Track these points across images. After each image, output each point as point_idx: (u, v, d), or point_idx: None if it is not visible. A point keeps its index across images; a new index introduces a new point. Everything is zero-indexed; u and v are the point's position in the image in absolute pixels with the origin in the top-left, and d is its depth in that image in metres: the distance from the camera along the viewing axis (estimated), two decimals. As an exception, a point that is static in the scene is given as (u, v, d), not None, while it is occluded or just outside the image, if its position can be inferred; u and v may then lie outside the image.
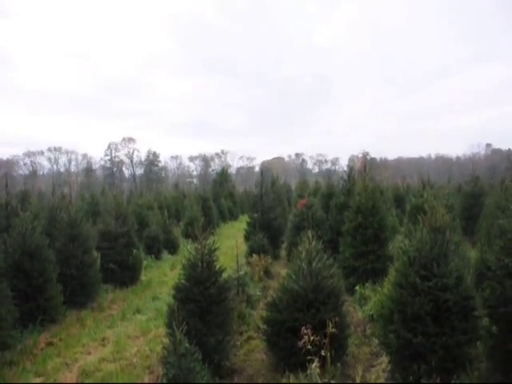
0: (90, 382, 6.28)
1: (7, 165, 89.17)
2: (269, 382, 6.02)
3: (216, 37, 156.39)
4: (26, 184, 35.98)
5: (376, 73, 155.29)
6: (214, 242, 6.57)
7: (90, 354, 7.48)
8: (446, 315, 5.17)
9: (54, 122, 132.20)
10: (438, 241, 5.64)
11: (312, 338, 4.78)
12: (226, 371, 6.23)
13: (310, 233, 6.72)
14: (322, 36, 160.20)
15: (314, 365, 4.70)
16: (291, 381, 5.22)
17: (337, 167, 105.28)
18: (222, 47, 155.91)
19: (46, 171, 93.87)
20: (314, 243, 6.66)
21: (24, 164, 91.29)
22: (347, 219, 11.19)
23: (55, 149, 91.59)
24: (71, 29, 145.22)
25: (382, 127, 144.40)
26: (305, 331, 4.74)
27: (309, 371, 5.23)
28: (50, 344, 7.82)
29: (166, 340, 6.15)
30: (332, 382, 4.46)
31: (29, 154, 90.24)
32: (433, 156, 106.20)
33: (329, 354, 4.67)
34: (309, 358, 4.97)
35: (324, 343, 4.95)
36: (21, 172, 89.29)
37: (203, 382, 5.00)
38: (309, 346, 4.83)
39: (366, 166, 12.13)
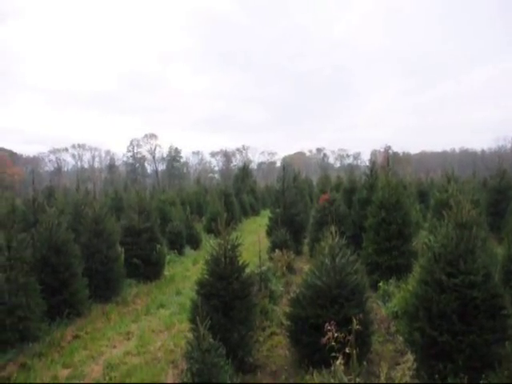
0: (116, 374, 6.37)
1: (33, 162, 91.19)
2: (292, 378, 6.01)
3: (235, 32, 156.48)
4: (51, 180, 36.61)
5: (397, 65, 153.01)
6: (236, 237, 6.56)
7: (115, 347, 7.60)
8: (474, 313, 5.08)
9: (77, 120, 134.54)
10: (465, 237, 5.54)
11: (336, 334, 4.73)
12: (249, 367, 6.25)
13: (333, 228, 6.67)
14: (342, 29, 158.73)
15: (338, 362, 4.65)
16: (315, 377, 5.20)
17: (358, 162, 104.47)
18: (241, 42, 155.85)
19: (70, 168, 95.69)
20: (337, 239, 6.61)
21: (49, 161, 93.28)
22: (370, 214, 11.07)
23: (79, 146, 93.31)
24: (93, 27, 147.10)
25: (404, 121, 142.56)
26: (329, 327, 4.69)
27: (332, 368, 5.21)
28: (76, 337, 7.98)
29: (189, 335, 6.19)
30: (358, 379, 4.41)
31: (54, 151, 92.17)
32: (457, 150, 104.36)
33: (354, 352, 4.62)
34: (333, 354, 4.94)
35: (348, 340, 4.90)
36: (46, 169, 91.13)
37: (227, 377, 5.03)
38: (333, 343, 4.79)
39: (390, 161, 11.99)
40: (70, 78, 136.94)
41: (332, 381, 4.54)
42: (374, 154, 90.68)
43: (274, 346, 7.21)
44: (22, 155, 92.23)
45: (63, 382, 6.26)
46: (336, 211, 14.17)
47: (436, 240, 5.93)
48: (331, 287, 6.18)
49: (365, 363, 5.61)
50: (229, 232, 6.41)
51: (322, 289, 6.22)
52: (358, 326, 5.19)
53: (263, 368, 6.40)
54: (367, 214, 11.38)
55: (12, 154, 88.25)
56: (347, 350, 4.91)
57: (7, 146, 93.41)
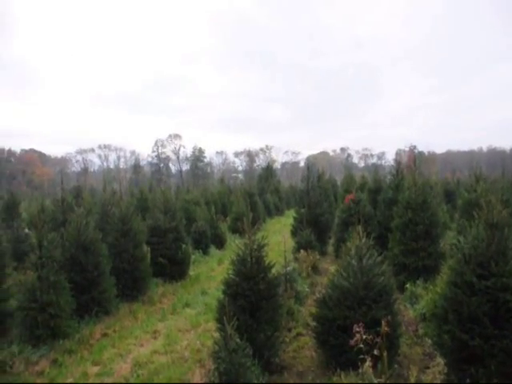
0: (144, 372, 6.45)
1: (61, 162, 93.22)
2: (319, 379, 5.97)
3: (257, 31, 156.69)
4: (78, 180, 37.36)
5: (423, 63, 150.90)
6: (263, 237, 6.56)
7: (142, 346, 7.69)
8: (507, 317, 4.95)
9: (103, 121, 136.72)
10: (496, 238, 5.41)
11: (364, 336, 4.69)
12: (275, 367, 6.24)
13: (360, 229, 6.61)
14: (366, 27, 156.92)
15: (366, 364, 4.61)
16: (343, 379, 5.16)
17: (383, 162, 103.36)
18: (263, 41, 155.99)
19: (96, 168, 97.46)
20: (364, 239, 6.55)
21: (76, 161, 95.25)
22: (396, 215, 10.93)
23: (105, 146, 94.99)
24: (118, 29, 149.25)
25: (429, 119, 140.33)
26: (357, 329, 4.65)
27: (360, 370, 5.17)
28: (104, 335, 8.11)
29: (216, 334, 6.23)
30: (389, 382, 4.36)
31: (81, 152, 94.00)
32: (484, 149, 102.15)
33: (383, 354, 4.57)
34: (360, 357, 4.90)
35: (376, 342, 4.85)
36: (73, 169, 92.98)
37: (253, 377, 5.04)
38: (361, 345, 4.75)
39: (416, 161, 11.81)
40: (97, 80, 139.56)
41: (361, 382, 4.49)
42: (398, 153, 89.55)
43: (300, 347, 7.18)
44: (50, 156, 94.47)
45: (93, 378, 6.37)
46: (361, 211, 14.05)
47: (466, 241, 5.81)
48: (358, 288, 6.12)
49: (396, 366, 5.53)
50: (255, 232, 6.39)
51: (349, 290, 6.17)
52: (386, 328, 5.15)
53: (289, 369, 6.38)
54: (393, 215, 11.23)
55: (41, 155, 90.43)
56: (375, 353, 4.87)
57: (37, 148, 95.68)
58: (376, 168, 28.40)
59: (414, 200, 10.52)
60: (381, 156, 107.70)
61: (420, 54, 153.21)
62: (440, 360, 5.18)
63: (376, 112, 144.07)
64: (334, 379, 5.46)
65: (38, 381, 6.27)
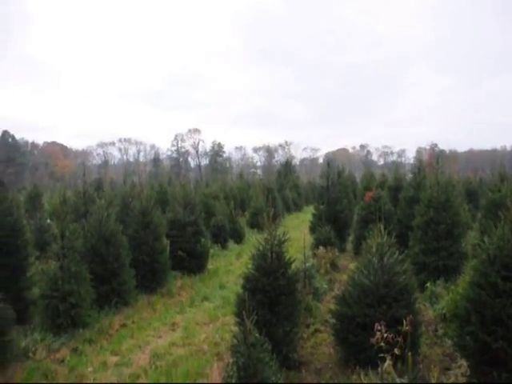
0: (162, 364, 6.50)
1: (83, 155, 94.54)
2: (337, 377, 5.94)
3: (276, 27, 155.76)
4: (99, 173, 37.81)
5: (444, 60, 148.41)
6: (284, 233, 6.53)
7: (160, 337, 7.75)
8: (532, 319, 4.84)
9: (124, 115, 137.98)
10: (523, 239, 5.28)
11: (385, 334, 4.64)
12: (293, 363, 6.21)
13: (381, 226, 6.54)
14: (387, 23, 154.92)
15: (387, 363, 4.57)
16: (362, 378, 5.12)
17: (403, 159, 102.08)
18: (283, 37, 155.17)
19: (116, 161, 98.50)
20: (385, 237, 6.48)
21: (97, 154, 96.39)
22: (418, 213, 10.80)
23: (125, 140, 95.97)
24: (139, 26, 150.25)
25: (451, 117, 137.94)
26: (378, 327, 4.61)
27: (379, 369, 5.11)
28: (123, 326, 8.20)
29: (234, 328, 6.24)
30: (414, 383, 4.29)
31: (101, 145, 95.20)
32: (508, 147, 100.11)
33: (403, 353, 4.52)
34: (381, 355, 4.85)
35: (398, 341, 4.80)
36: (94, 162, 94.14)
37: (271, 372, 5.02)
38: (382, 343, 4.70)
39: (439, 159, 11.63)
40: (119, 75, 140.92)
41: (384, 382, 4.44)
42: (419, 151, 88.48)
43: (317, 344, 7.15)
44: (72, 149, 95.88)
45: (112, 368, 6.45)
46: (381, 209, 13.91)
47: (491, 241, 5.69)
48: (379, 287, 6.06)
49: (421, 366, 5.43)
50: (275, 227, 6.37)
51: (369, 288, 6.11)
52: (408, 327, 5.09)
53: (307, 365, 6.36)
54: (414, 213, 11.09)
55: (63, 148, 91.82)
56: (396, 352, 4.82)
57: (59, 140, 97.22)
58: (397, 166, 28.07)
59: (436, 199, 10.37)
60: (401, 154, 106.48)
61: (442, 50, 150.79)
62: (462, 362, 5.08)
63: (396, 109, 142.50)
64: (354, 377, 5.42)
65: (59, 368, 6.37)
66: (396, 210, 14.45)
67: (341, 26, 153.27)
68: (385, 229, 6.63)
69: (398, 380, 4.25)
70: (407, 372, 4.23)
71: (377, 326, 4.65)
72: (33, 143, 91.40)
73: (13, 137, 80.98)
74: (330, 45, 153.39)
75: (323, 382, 5.85)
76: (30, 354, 6.61)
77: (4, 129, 78.57)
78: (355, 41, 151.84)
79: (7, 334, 6.30)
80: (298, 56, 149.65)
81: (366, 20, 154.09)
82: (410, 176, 16.25)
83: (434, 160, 11.93)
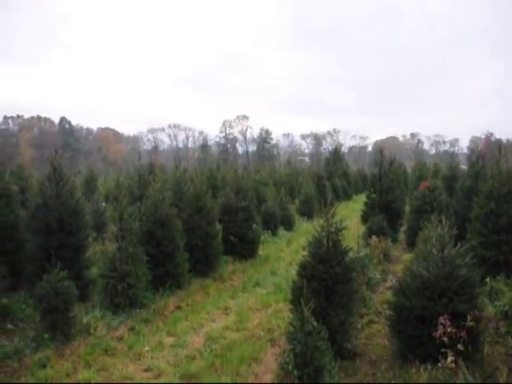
0: (216, 347, 6.59)
1: (134, 140, 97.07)
2: (393, 369, 5.79)
3: (323, 10, 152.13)
4: (150, 158, 38.66)
5: (498, 44, 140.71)
6: (340, 220, 6.41)
7: (214, 321, 7.86)
8: None
9: (174, 101, 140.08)
10: None
11: (449, 329, 4.47)
12: (347, 353, 6.14)
13: (443, 217, 6.30)
14: (437, 6, 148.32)
15: (449, 359, 4.40)
16: (422, 372, 4.97)
17: (456, 149, 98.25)
18: (330, 21, 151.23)
19: (165, 147, 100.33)
20: (446, 228, 6.24)
21: (147, 140, 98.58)
22: (476, 205, 10.32)
23: (174, 126, 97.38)
24: (186, 11, 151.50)
25: (507, 105, 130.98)
26: (442, 321, 4.45)
27: (440, 364, 4.95)
28: (178, 308, 8.39)
29: (288, 315, 6.22)
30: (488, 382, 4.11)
31: (152, 131, 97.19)
32: None
33: (467, 350, 4.35)
34: (442, 350, 4.69)
35: (460, 336, 4.62)
36: (145, 147, 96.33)
37: (327, 361, 4.98)
38: (444, 338, 4.54)
39: (501, 148, 11.07)
40: (168, 61, 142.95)
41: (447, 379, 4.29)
42: (473, 140, 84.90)
43: (372, 335, 7.04)
44: (123, 134, 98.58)
45: (168, 349, 6.59)
46: (436, 200, 13.47)
47: None
48: (439, 279, 5.85)
49: (498, 365, 5.19)
50: (333, 214, 6.25)
51: (429, 280, 5.90)
52: (471, 323, 4.89)
53: (362, 356, 6.26)
54: (472, 204, 10.63)
55: (115, 133, 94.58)
56: (459, 347, 4.64)
57: (111, 126, 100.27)
58: (448, 155, 27.17)
59: (498, 190, 9.89)
60: (454, 143, 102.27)
61: (496, 34, 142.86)
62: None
63: (449, 96, 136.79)
64: (413, 371, 5.27)
65: (119, 346, 6.59)
66: (451, 200, 13.93)
67: (390, 9, 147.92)
68: (446, 220, 6.39)
69: (470, 378, 4.06)
70: (474, 370, 4.04)
71: (440, 320, 4.48)
72: (87, 129, 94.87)
73: (69, 123, 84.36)
74: (378, 29, 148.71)
75: (379, 373, 5.74)
76: (92, 330, 6.87)
77: (61, 115, 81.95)
78: (405, 24, 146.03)
79: (71, 309, 6.61)
80: (345, 40, 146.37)
81: (417, 3, 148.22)
82: (463, 166, 15.65)
83: (490, 149, 11.37)
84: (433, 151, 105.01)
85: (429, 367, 5.23)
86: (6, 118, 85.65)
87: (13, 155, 60.97)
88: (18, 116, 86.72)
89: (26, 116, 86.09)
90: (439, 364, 5.01)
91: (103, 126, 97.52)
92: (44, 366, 5.82)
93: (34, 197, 8.82)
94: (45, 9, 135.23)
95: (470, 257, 9.42)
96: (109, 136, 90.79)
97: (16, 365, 5.81)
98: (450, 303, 5.64)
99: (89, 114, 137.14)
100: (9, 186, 9.41)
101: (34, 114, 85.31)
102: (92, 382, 5.50)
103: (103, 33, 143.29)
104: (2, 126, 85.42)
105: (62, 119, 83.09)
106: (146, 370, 5.92)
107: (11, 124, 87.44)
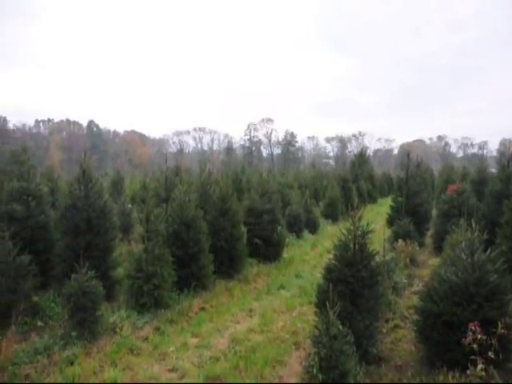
0: (241, 349, 6.58)
1: (159, 143, 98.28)
2: (419, 375, 5.68)
3: (348, 12, 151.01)
4: (175, 160, 39.00)
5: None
6: (367, 223, 6.34)
7: (238, 323, 7.87)
8: None
9: (199, 104, 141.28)
10: None
11: (479, 336, 4.36)
12: (372, 358, 6.05)
13: (473, 221, 6.17)
14: (466, 6, 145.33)
15: (479, 367, 4.30)
16: (450, 380, 4.86)
17: (485, 152, 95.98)
18: (355, 23, 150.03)
19: (191, 149, 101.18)
20: (476, 232, 6.10)
21: (173, 142, 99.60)
22: (507, 209, 10.08)
23: (200, 129, 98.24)
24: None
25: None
26: (472, 328, 4.34)
27: (468, 372, 4.84)
28: (202, 309, 8.42)
29: (313, 318, 6.17)
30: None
31: (177, 134, 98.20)
32: None
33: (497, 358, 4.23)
34: (472, 357, 4.58)
35: (491, 344, 4.51)
36: (170, 150, 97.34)
37: (353, 365, 4.92)
38: (474, 345, 4.43)
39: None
40: (194, 66, 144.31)
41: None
42: (503, 143, 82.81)
43: (397, 340, 6.93)
44: (149, 137, 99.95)
45: (192, 349, 6.63)
46: (465, 203, 13.19)
47: None
48: (468, 284, 5.72)
49: None
50: (359, 218, 6.19)
51: (457, 285, 5.78)
52: (502, 330, 4.77)
53: (387, 361, 6.17)
54: (503, 209, 10.38)
55: (141, 136, 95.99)
56: (490, 355, 4.53)
57: (138, 129, 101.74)
58: (482, 158, 26.60)
59: (530, 194, 9.63)
60: (482, 146, 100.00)
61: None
62: None
63: (478, 99, 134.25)
64: (440, 378, 5.17)
65: (144, 346, 6.66)
66: (480, 204, 13.62)
67: (415, 10, 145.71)
68: (469, 224, 6.27)
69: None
70: (506, 379, 3.93)
71: (471, 326, 4.38)
72: (114, 132, 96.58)
73: (97, 126, 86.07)
74: (405, 30, 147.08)
75: (405, 380, 5.64)
76: (117, 330, 6.98)
77: (90, 119, 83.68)
78: (433, 27, 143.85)
79: (98, 308, 6.73)
80: (370, 42, 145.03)
81: (445, 4, 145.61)
82: (492, 169, 15.29)
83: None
84: (460, 154, 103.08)
85: (457, 374, 5.14)
86: (37, 121, 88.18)
87: (43, 158, 62.45)
88: (49, 120, 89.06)
89: (56, 120, 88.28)
90: (468, 372, 4.91)
91: (129, 129, 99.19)
92: (72, 363, 5.93)
93: (64, 198, 9.00)
94: (76, 16, 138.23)
95: (501, 262, 9.27)
96: (135, 139, 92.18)
97: (45, 361, 5.95)
98: (480, 309, 5.51)
99: (116, 117, 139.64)
100: (40, 188, 9.62)
101: (64, 118, 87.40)
102: (118, 381, 5.57)
103: (130, 39, 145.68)
104: (34, 130, 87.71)
105: (90, 122, 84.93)
106: (171, 371, 5.96)
107: (42, 127, 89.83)
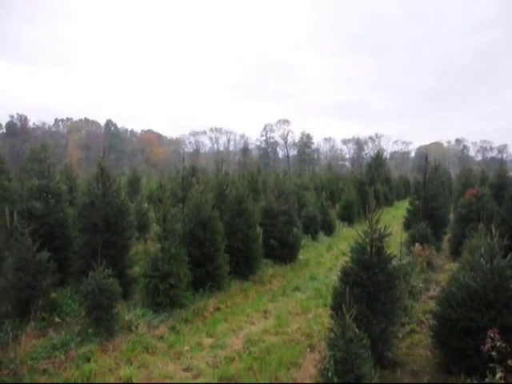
0: (255, 350, 6.59)
1: (176, 143, 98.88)
2: (436, 381, 5.62)
3: (363, 13, 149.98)
4: (193, 160, 39.17)
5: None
6: (385, 226, 6.28)
7: (253, 324, 7.87)
8: None
9: (216, 105, 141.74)
10: None
11: (498, 343, 4.29)
12: (387, 362, 6.00)
13: (493, 226, 6.08)
14: (485, 8, 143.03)
15: (498, 375, 4.22)
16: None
17: (504, 155, 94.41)
18: (371, 24, 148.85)
19: (207, 149, 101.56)
20: (496, 238, 6.01)
21: (189, 143, 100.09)
22: (528, 214, 9.93)
23: (216, 129, 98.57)
24: (228, 19, 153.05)
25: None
26: (491, 335, 4.28)
27: (487, 380, 4.76)
28: (217, 309, 8.44)
29: (327, 321, 6.13)
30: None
31: (193, 134, 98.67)
32: None
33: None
34: (491, 365, 4.51)
35: (511, 351, 4.43)
36: (186, 150, 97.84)
37: (368, 369, 4.88)
38: (493, 353, 4.36)
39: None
40: (211, 68, 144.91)
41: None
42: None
43: (413, 344, 6.86)
44: (166, 137, 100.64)
45: (207, 349, 6.65)
46: (484, 208, 13.00)
47: None
48: (487, 290, 5.63)
49: None
50: (377, 220, 6.13)
51: (476, 291, 5.70)
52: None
53: (403, 366, 6.11)
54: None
55: (158, 136, 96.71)
56: (510, 363, 4.45)
57: (155, 129, 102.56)
58: (502, 162, 26.15)
59: (551, 199, 9.47)
60: (502, 149, 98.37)
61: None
62: None
63: (497, 102, 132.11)
64: (459, 384, 5.10)
65: (159, 344, 6.70)
66: (500, 209, 13.41)
67: (434, 11, 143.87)
68: (487, 229, 6.17)
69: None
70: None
71: (490, 333, 4.31)
72: (131, 131, 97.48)
73: (115, 125, 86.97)
74: (422, 32, 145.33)
75: (422, 384, 5.58)
76: (133, 328, 7.03)
77: (108, 118, 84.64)
78: (450, 27, 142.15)
79: (115, 306, 6.79)
80: (387, 44, 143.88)
81: (465, 4, 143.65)
82: (512, 173, 15.05)
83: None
84: (479, 157, 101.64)
85: (475, 382, 5.06)
86: (56, 120, 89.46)
87: (62, 156, 63.30)
88: (68, 119, 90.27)
89: (75, 119, 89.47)
90: (486, 380, 4.84)
91: (146, 128, 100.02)
92: (88, 360, 6.00)
93: (82, 196, 9.10)
94: (96, 16, 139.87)
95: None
96: (152, 138, 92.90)
97: (62, 357, 6.02)
98: (499, 316, 5.43)
99: (133, 117, 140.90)
100: (59, 186, 9.74)
101: (82, 117, 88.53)
102: (133, 378, 5.61)
103: (148, 40, 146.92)
104: (53, 129, 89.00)
105: (108, 122, 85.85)
106: (186, 370, 5.99)
107: (61, 126, 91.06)
